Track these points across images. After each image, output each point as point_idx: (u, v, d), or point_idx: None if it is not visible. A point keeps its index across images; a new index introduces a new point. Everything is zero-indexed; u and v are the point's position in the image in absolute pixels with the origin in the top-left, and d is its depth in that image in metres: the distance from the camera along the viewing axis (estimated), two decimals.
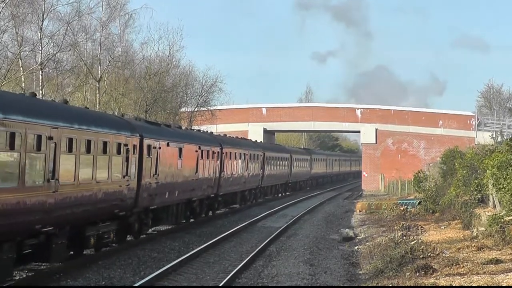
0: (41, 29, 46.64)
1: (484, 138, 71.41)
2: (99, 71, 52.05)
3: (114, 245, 27.10)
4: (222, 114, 76.91)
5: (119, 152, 25.69)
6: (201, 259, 26.48)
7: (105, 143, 24.27)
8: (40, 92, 47.33)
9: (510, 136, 41.97)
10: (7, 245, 18.46)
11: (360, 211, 49.18)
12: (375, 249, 28.19)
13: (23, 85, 45.99)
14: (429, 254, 24.89)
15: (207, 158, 39.35)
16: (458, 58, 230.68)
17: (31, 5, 45.89)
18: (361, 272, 24.31)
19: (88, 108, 36.58)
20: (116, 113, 51.28)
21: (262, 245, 29.75)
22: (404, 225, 35.88)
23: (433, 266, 22.05)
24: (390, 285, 20.55)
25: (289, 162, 70.77)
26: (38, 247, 20.56)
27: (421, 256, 24.58)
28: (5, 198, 17.77)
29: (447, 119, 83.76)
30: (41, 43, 46.54)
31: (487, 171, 29.86)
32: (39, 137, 19.41)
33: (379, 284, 21.09)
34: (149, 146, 29.05)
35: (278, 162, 65.14)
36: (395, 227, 35.55)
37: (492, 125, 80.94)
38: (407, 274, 21.67)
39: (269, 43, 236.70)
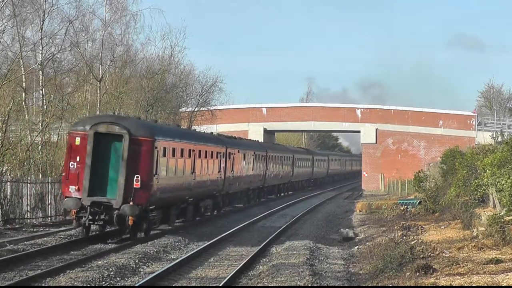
0: (41, 28, 46.64)
1: (485, 138, 71.41)
2: (100, 71, 52.04)
3: (208, 215, 41.96)
4: (222, 114, 76.87)
5: (217, 157, 41.46)
6: (201, 259, 26.55)
7: (212, 152, 40.14)
8: (41, 92, 47.34)
9: (511, 136, 41.96)
10: (175, 206, 34.56)
11: (360, 211, 49.18)
12: (375, 249, 28.20)
13: (24, 85, 45.99)
14: (429, 254, 24.91)
15: (259, 160, 54.56)
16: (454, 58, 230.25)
17: (32, 5, 45.88)
18: (361, 272, 24.33)
19: (88, 108, 47.33)
20: (116, 113, 51.33)
21: (262, 245, 29.82)
22: (404, 225, 35.88)
23: (433, 266, 22.07)
24: (390, 285, 20.57)
25: (311, 163, 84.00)
26: (181, 210, 35.60)
27: (421, 256, 24.60)
28: (176, 181, 33.71)
29: (447, 119, 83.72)
30: (41, 43, 46.54)
31: (487, 171, 29.86)
32: (189, 150, 35.73)
33: (379, 284, 21.12)
34: (229, 153, 44.49)
35: (303, 163, 78.85)
36: (395, 227, 35.55)
37: (492, 125, 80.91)
38: (407, 274, 21.69)
39: (270, 43, 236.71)
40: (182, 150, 34.47)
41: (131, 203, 29.00)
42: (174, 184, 33.56)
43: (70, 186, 29.57)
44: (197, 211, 38.89)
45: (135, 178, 29.23)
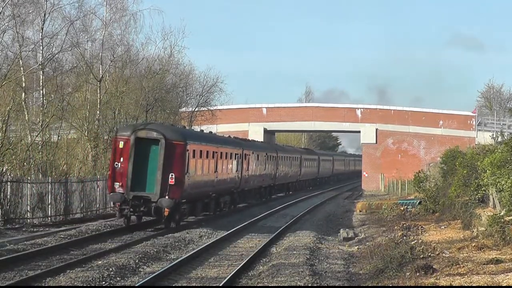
0: (42, 29, 46.63)
1: (485, 138, 71.38)
2: (100, 71, 52.03)
3: (226, 210, 45.86)
4: (223, 114, 76.87)
5: (235, 158, 46.25)
6: (201, 259, 26.58)
7: (231, 154, 45.17)
8: (41, 92, 47.33)
9: (510, 136, 41.87)
10: (200, 201, 38.90)
11: (360, 211, 49.16)
12: (375, 249, 28.21)
13: (23, 85, 45.98)
14: (429, 254, 24.91)
15: (270, 160, 59.33)
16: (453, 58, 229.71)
17: (33, 5, 45.87)
18: (361, 272, 24.33)
19: (89, 108, 48.75)
20: (117, 113, 51.35)
21: (262, 245, 29.87)
22: (404, 225, 35.87)
23: (433, 266, 22.08)
24: (390, 285, 20.57)
25: (317, 163, 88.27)
26: (205, 204, 40.02)
27: (421, 256, 24.60)
28: (202, 179, 38.43)
29: (447, 119, 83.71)
30: (42, 43, 46.52)
31: (487, 171, 29.86)
32: (213, 152, 40.46)
33: (379, 284, 21.12)
34: (245, 154, 49.13)
35: (310, 163, 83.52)
36: (395, 227, 35.55)
37: (492, 125, 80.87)
38: (407, 274, 21.70)
39: (270, 42, 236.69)
40: (207, 152, 39.41)
41: (167, 197, 33.78)
42: (201, 181, 38.63)
43: (115, 183, 34.20)
44: (218, 205, 43.50)
45: (170, 176, 33.96)
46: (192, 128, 54.96)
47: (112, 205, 37.21)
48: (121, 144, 34.41)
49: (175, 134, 35.42)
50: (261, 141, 65.69)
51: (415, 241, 28.88)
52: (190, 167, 35.85)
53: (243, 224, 38.06)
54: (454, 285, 19.07)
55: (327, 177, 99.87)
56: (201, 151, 38.09)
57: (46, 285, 20.93)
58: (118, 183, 34.10)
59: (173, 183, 33.98)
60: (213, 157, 40.56)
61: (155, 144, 34.40)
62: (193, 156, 36.58)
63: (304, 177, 79.91)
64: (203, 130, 52.42)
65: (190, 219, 39.04)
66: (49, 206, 37.76)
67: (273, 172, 61.42)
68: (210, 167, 40.11)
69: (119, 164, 34.23)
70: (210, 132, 50.32)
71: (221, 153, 42.61)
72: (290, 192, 72.39)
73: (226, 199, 45.39)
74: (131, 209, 33.89)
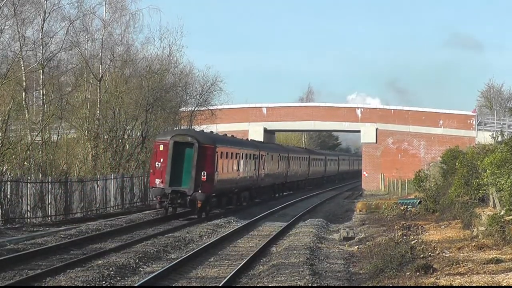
0: (42, 28, 46.63)
1: (485, 137, 71.35)
2: (100, 70, 52.01)
3: (245, 204, 51.44)
4: (223, 113, 76.78)
5: (253, 158, 51.68)
6: (201, 258, 26.59)
7: (250, 154, 50.75)
8: (41, 91, 47.32)
9: (510, 136, 41.79)
10: (225, 196, 45.04)
11: (360, 211, 49.12)
12: (375, 249, 28.19)
13: (24, 84, 45.99)
14: (429, 253, 24.89)
15: (282, 160, 64.63)
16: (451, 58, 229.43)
17: (33, 5, 45.88)
18: (361, 271, 24.32)
19: (88, 107, 50.14)
20: (116, 112, 51.33)
21: (263, 245, 29.88)
22: (404, 224, 35.86)
23: (433, 266, 22.06)
24: (390, 285, 20.55)
25: (324, 162, 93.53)
26: (228, 198, 46.14)
27: (421, 255, 24.58)
28: (228, 177, 44.30)
29: (447, 119, 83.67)
30: (42, 42, 46.51)
31: (487, 170, 29.83)
32: (236, 153, 46.21)
33: (379, 284, 21.10)
34: (261, 155, 54.55)
35: (318, 163, 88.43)
36: (395, 227, 35.53)
37: (492, 124, 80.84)
38: (407, 273, 21.68)
39: (270, 42, 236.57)
40: (231, 153, 45.25)
41: (200, 191, 39.36)
42: (227, 178, 44.43)
43: (156, 179, 39.85)
44: (239, 200, 49.44)
45: (202, 173, 39.59)
46: (192, 127, 55.27)
47: (155, 198, 42.01)
48: (161, 147, 40.04)
49: (206, 138, 41.79)
50: (274, 143, 72.58)
51: (415, 240, 28.86)
52: (218, 166, 41.61)
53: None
54: (454, 284, 19.05)
55: (333, 175, 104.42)
56: (227, 152, 44.01)
57: (46, 285, 20.92)
58: (158, 180, 39.70)
59: (205, 180, 39.54)
60: (236, 157, 46.41)
61: (190, 147, 40.00)
62: (221, 157, 42.34)
63: (312, 175, 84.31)
64: (203, 130, 53.06)
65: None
66: (49, 205, 37.76)
67: (285, 171, 66.41)
68: (234, 166, 46.02)
69: (160, 163, 39.79)
70: (233, 137, 53.22)
71: (242, 154, 48.30)
72: (295, 190, 74.85)
73: (245, 194, 51.05)
74: (169, 202, 39.33)
